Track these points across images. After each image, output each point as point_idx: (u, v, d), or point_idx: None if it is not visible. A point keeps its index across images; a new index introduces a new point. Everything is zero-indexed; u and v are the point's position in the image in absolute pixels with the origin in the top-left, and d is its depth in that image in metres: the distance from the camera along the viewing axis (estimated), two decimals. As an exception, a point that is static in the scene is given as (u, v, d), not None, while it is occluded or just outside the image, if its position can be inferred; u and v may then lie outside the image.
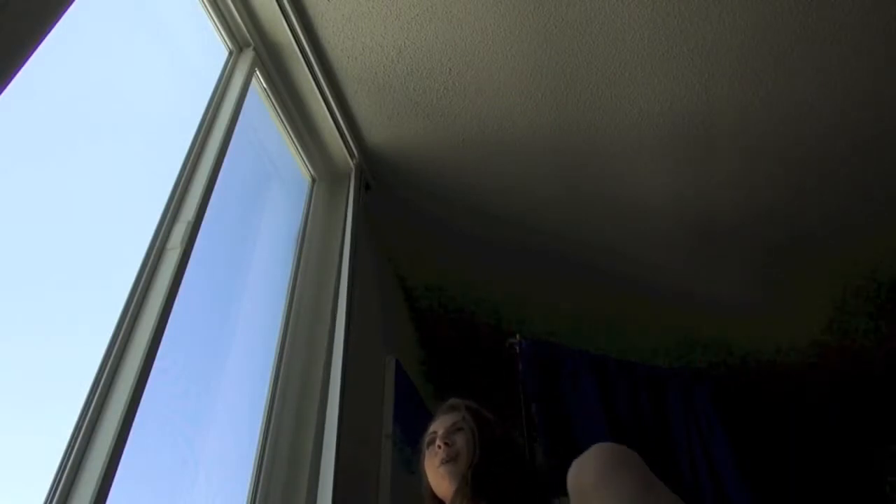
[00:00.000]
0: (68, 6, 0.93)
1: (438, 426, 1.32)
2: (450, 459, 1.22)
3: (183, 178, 1.29)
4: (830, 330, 2.97)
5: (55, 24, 0.91)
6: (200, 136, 1.39)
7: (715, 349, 3.13)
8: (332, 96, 1.87)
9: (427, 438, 1.33)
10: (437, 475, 1.24)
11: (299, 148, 1.98)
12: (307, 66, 1.75)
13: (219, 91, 1.52)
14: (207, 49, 1.60)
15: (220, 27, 1.60)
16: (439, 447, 1.25)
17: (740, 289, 2.73)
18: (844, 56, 1.78)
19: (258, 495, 1.35)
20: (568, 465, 0.93)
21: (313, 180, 2.08)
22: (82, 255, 1.06)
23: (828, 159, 2.11)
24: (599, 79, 1.85)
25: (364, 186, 2.10)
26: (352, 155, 2.05)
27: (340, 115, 1.93)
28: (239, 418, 1.43)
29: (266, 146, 1.87)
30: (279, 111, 1.85)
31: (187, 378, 1.26)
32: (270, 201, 1.84)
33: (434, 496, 1.28)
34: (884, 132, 2.01)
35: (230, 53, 1.64)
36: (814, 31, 1.71)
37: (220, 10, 1.58)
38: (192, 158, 1.34)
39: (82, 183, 1.08)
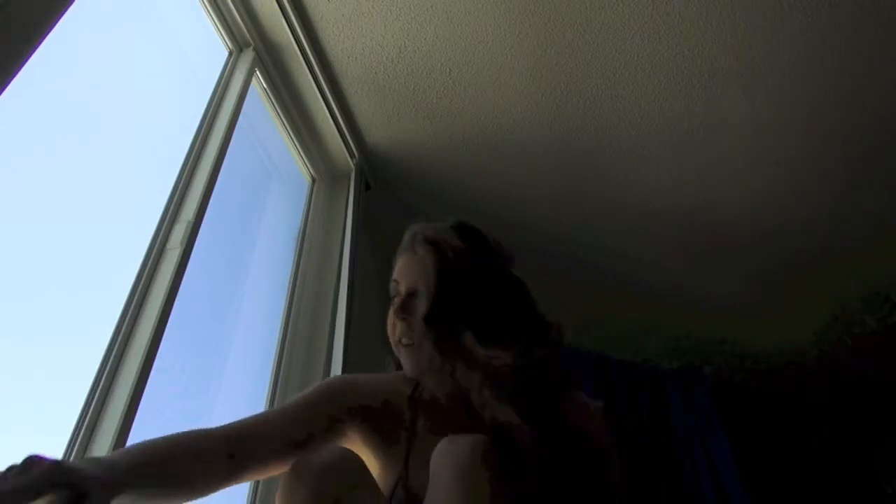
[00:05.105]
0: (68, 6, 0.93)
1: (398, 274, 0.97)
2: (408, 343, 0.90)
3: (183, 178, 1.29)
4: (830, 330, 2.97)
5: (55, 23, 0.91)
6: (200, 136, 1.39)
7: (715, 349, 3.13)
8: (332, 96, 1.87)
9: (391, 286, 0.99)
10: (396, 351, 0.94)
11: (299, 148, 1.98)
12: (307, 66, 1.75)
13: (219, 91, 1.52)
14: (207, 49, 1.60)
15: (220, 27, 1.60)
16: (392, 321, 0.93)
17: (740, 289, 2.73)
18: (845, 57, 1.78)
19: (258, 495, 1.35)
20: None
21: (313, 180, 2.08)
22: (83, 254, 1.06)
23: (828, 159, 2.10)
24: (599, 79, 1.85)
25: (364, 186, 2.10)
26: (352, 155, 2.05)
27: (340, 115, 1.93)
28: (239, 418, 1.43)
29: (266, 146, 1.87)
30: (279, 111, 1.85)
31: (187, 378, 1.27)
32: (270, 201, 1.84)
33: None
34: (884, 133, 2.01)
35: (230, 53, 1.64)
36: (814, 31, 1.71)
37: (220, 10, 1.58)
38: (192, 158, 1.34)
39: (83, 183, 1.08)
